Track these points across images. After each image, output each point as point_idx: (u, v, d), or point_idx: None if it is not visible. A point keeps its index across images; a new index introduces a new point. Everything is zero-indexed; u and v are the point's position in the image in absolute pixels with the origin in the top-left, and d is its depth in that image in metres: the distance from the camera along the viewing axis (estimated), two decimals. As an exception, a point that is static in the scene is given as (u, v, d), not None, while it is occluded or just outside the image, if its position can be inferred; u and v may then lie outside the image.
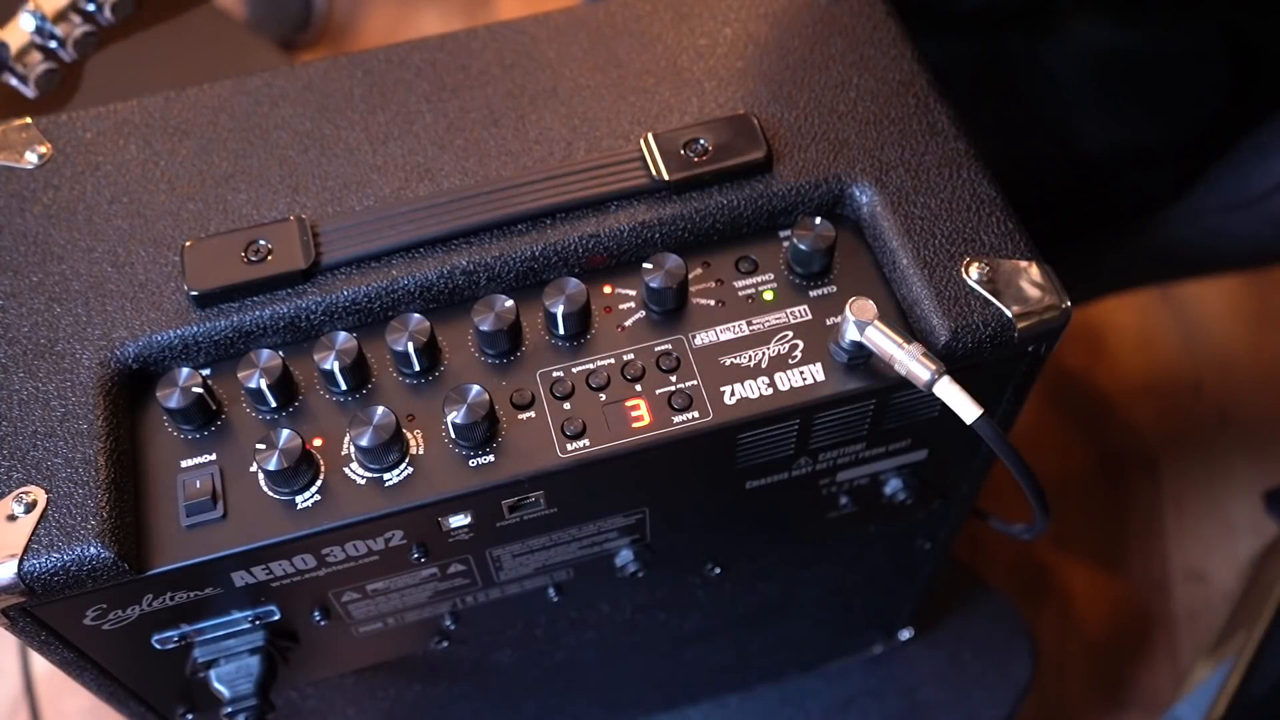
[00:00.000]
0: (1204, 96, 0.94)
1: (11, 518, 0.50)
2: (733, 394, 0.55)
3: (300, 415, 0.55)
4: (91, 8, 0.70)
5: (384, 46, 0.67)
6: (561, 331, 0.57)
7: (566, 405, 0.55)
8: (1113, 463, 1.43)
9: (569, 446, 0.54)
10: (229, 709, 0.59)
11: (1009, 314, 0.55)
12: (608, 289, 0.59)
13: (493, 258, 0.57)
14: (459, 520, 0.56)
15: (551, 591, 0.66)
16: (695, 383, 0.56)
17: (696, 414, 0.55)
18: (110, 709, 0.64)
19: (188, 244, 0.58)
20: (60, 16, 0.70)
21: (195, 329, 0.56)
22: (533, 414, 0.55)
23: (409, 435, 0.54)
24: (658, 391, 0.56)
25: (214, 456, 0.54)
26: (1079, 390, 1.49)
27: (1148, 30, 0.91)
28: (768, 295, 0.58)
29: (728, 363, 0.56)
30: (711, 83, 0.64)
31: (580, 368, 0.56)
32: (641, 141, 0.61)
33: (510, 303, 0.55)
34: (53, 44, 0.70)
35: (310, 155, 0.62)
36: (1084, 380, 1.50)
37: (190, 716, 0.66)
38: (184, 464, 0.54)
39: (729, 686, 1.01)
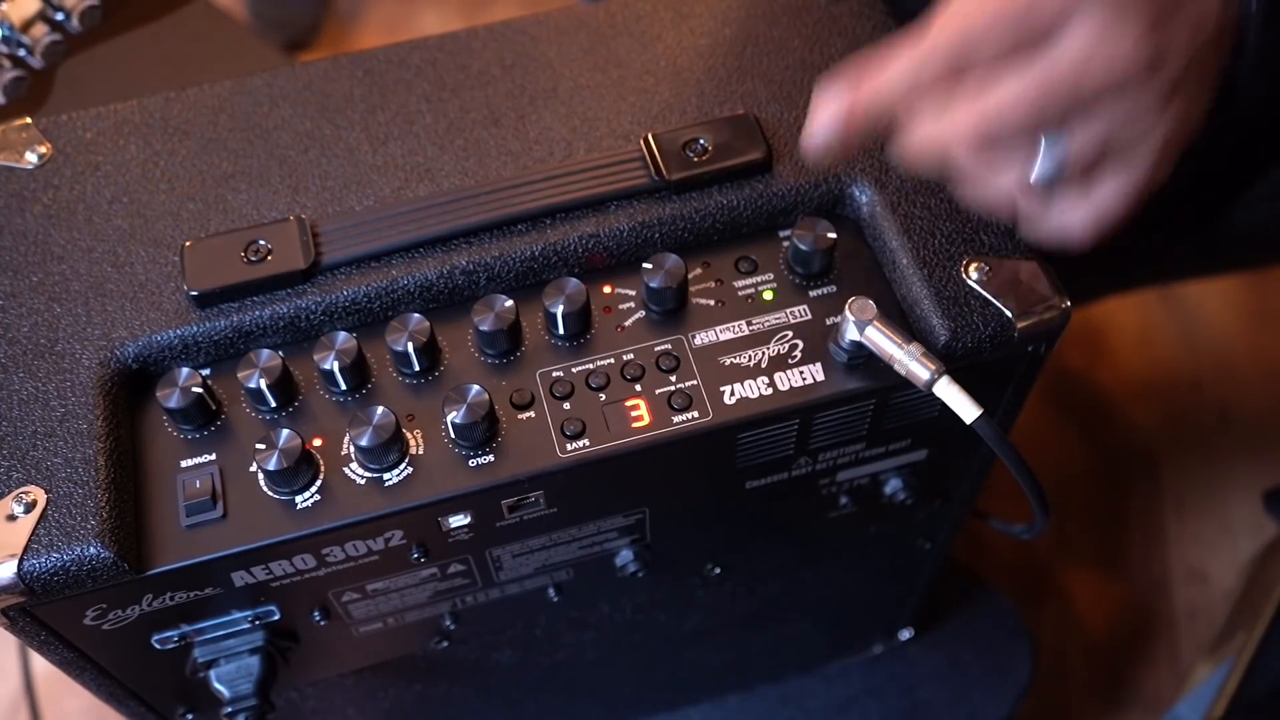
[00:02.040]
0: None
1: (11, 518, 0.50)
2: (732, 394, 0.55)
3: (300, 415, 0.55)
4: (60, 17, 0.71)
5: (384, 46, 0.67)
6: (561, 331, 0.57)
7: (566, 405, 0.55)
8: (1113, 463, 1.43)
9: (569, 446, 0.54)
10: (229, 709, 0.59)
11: (1009, 314, 0.55)
12: (608, 289, 0.59)
13: (493, 258, 0.57)
14: (459, 520, 0.56)
15: (551, 591, 0.66)
16: (695, 383, 0.56)
17: (696, 414, 0.55)
18: (110, 709, 0.64)
19: (188, 244, 0.57)
20: (28, 25, 0.70)
21: (195, 329, 0.56)
22: (532, 414, 0.55)
23: (409, 435, 0.54)
24: (657, 391, 0.56)
25: (214, 456, 0.54)
26: (1079, 390, 1.49)
27: None
28: (768, 295, 0.58)
29: (727, 363, 0.56)
30: (711, 83, 0.64)
31: (580, 368, 0.56)
32: (641, 141, 0.61)
33: (510, 303, 0.55)
34: (21, 52, 0.70)
35: (310, 155, 0.62)
36: (1084, 380, 1.50)
37: (190, 716, 0.66)
38: (184, 464, 0.54)
39: (729, 686, 1.01)
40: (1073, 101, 0.45)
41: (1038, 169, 0.47)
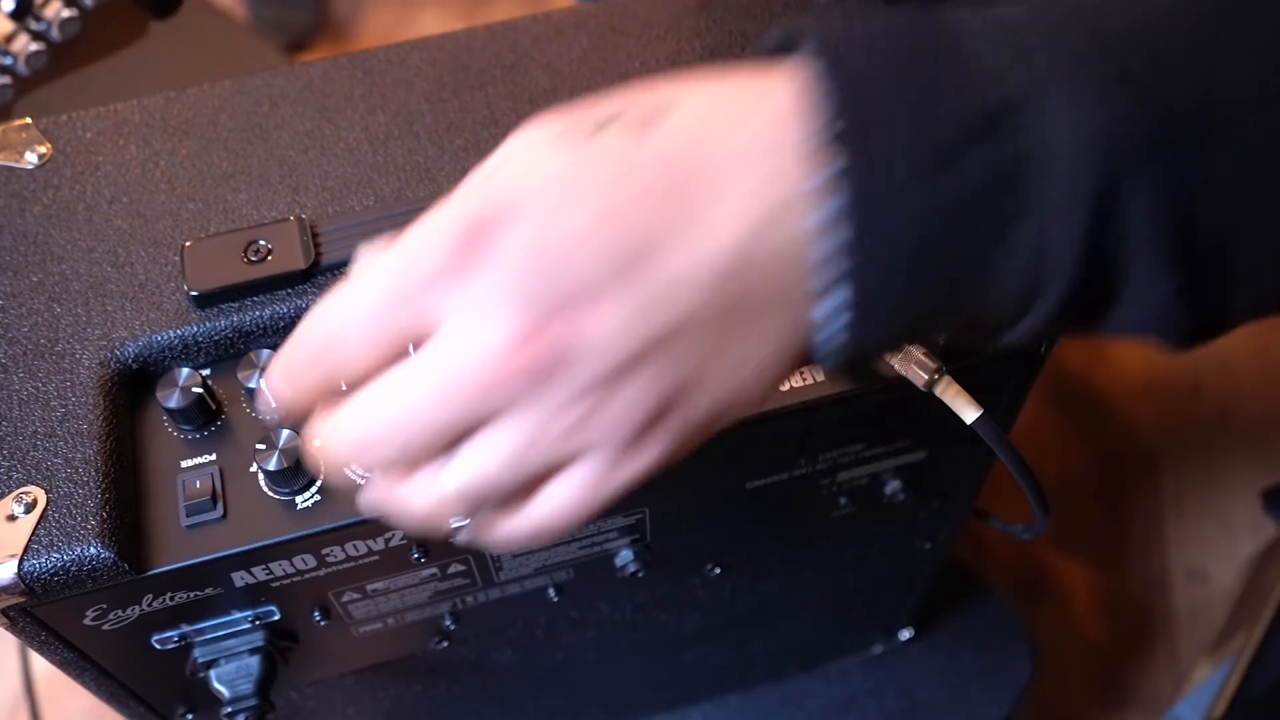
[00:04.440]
0: None
1: (11, 518, 0.50)
2: (733, 394, 0.55)
3: (300, 415, 0.55)
4: (41, 27, 0.71)
5: (384, 46, 0.67)
6: (561, 331, 0.56)
7: (566, 405, 0.55)
8: (1113, 463, 1.43)
9: (569, 446, 0.54)
10: (229, 709, 0.59)
11: (1009, 314, 0.55)
12: (608, 289, 0.59)
13: (493, 258, 0.57)
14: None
15: (551, 591, 0.66)
16: (695, 383, 0.56)
17: (696, 414, 0.55)
18: (110, 709, 0.64)
19: (188, 244, 0.57)
20: (10, 37, 0.71)
21: (195, 329, 0.56)
22: (533, 414, 0.55)
23: (409, 435, 0.54)
24: (658, 391, 0.55)
25: (214, 456, 0.54)
26: (1079, 390, 1.49)
27: None
28: (768, 295, 0.58)
29: (728, 363, 0.56)
30: (711, 83, 0.64)
31: (580, 368, 0.56)
32: (641, 141, 0.60)
33: (510, 303, 0.55)
34: (8, 60, 0.71)
35: (310, 155, 0.62)
36: (1084, 380, 1.50)
37: (190, 716, 0.66)
38: (184, 464, 0.54)
39: (729, 686, 1.01)
40: (452, 412, 0.35)
41: (446, 484, 0.37)
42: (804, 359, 0.37)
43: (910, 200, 0.33)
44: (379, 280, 0.36)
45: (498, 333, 0.33)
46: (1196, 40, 0.35)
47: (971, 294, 0.35)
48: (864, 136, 0.33)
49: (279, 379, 0.39)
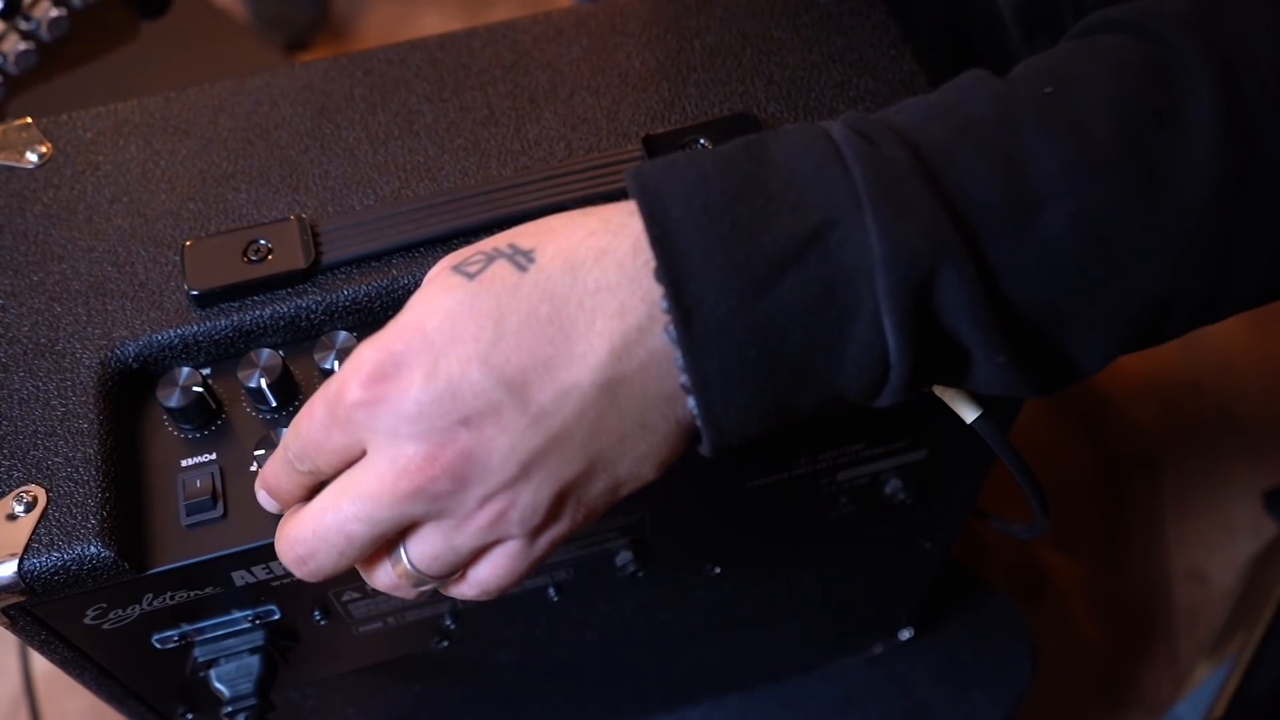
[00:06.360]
0: None
1: (12, 517, 0.50)
2: (733, 393, 0.55)
3: (300, 415, 0.55)
4: (30, 26, 0.71)
5: (384, 46, 0.67)
6: (561, 331, 0.56)
7: (566, 405, 0.55)
8: (1113, 463, 1.43)
9: (569, 446, 0.54)
10: (229, 708, 0.59)
11: (1009, 313, 0.55)
12: (608, 289, 0.59)
13: (493, 257, 0.57)
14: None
15: (551, 591, 0.67)
16: (695, 382, 0.56)
17: (696, 413, 0.55)
18: (110, 709, 0.64)
19: (188, 243, 0.58)
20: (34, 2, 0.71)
21: (195, 328, 0.56)
22: (533, 413, 0.55)
23: (409, 435, 0.54)
24: (658, 391, 0.55)
25: (214, 456, 0.54)
26: (1079, 390, 1.49)
27: None
28: (768, 295, 0.58)
29: (728, 362, 0.56)
30: (712, 82, 0.64)
31: (580, 367, 0.56)
32: (641, 141, 0.61)
33: (510, 302, 0.55)
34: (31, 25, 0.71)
35: (310, 155, 0.62)
36: (1084, 380, 1.50)
37: (190, 716, 0.66)
38: (184, 463, 0.54)
39: (729, 686, 1.01)
40: (376, 523, 0.41)
41: (401, 570, 0.44)
42: (690, 441, 0.42)
43: (735, 327, 0.38)
44: (317, 409, 0.42)
45: (400, 458, 0.39)
46: (1006, 133, 0.39)
47: (820, 384, 0.40)
48: (680, 280, 0.38)
49: (264, 497, 0.47)
